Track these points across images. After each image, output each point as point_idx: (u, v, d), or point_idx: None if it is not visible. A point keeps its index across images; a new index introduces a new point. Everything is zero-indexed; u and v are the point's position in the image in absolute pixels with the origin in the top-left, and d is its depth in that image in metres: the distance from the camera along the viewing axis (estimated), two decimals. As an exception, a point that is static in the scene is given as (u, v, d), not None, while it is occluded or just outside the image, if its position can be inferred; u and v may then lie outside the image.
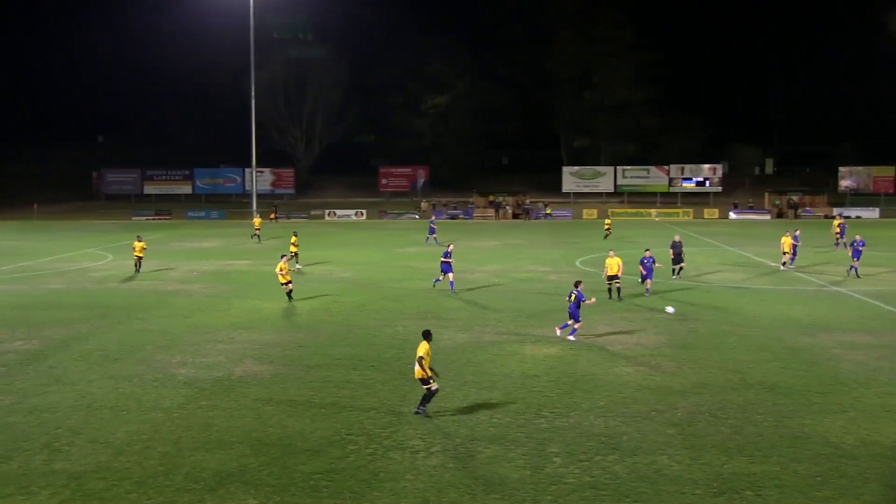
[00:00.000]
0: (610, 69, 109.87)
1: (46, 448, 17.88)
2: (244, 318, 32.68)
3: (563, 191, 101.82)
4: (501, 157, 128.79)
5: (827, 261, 48.48)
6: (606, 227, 67.82)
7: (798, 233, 46.70)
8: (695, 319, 31.89)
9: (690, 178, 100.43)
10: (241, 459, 17.14)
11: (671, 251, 42.54)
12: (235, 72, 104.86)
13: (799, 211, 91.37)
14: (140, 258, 46.11)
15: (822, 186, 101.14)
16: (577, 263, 49.14)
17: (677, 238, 43.52)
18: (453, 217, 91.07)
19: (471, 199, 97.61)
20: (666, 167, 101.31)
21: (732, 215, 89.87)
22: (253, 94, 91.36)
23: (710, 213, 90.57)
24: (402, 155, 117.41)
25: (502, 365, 24.84)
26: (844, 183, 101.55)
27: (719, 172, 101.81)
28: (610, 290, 35.87)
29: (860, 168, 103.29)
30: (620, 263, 35.80)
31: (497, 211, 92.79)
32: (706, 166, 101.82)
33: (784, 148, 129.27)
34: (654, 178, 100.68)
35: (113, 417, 20.02)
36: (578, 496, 15.41)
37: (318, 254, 47.17)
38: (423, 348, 19.73)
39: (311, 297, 36.68)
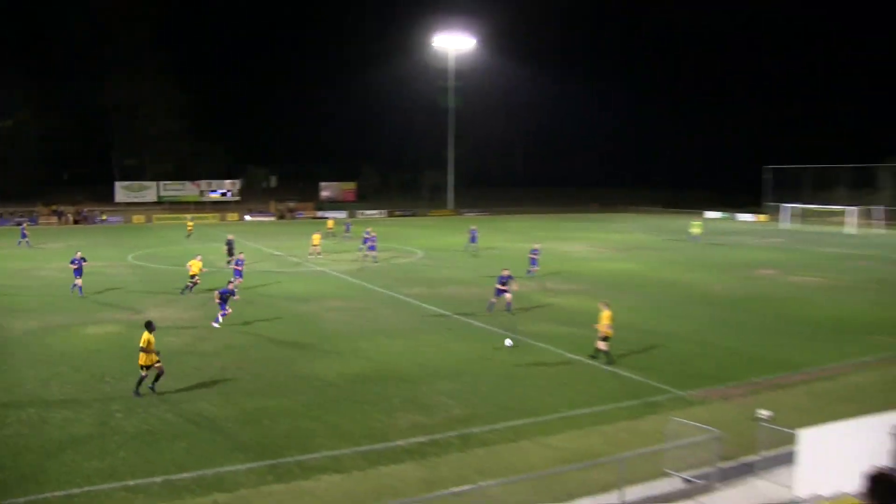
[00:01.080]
0: (153, 104, 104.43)
1: None
2: None
3: (116, 201, 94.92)
4: (63, 172, 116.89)
5: (333, 250, 50.04)
6: (189, 228, 64.31)
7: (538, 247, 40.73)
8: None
9: (216, 190, 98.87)
10: None
11: (226, 246, 41.96)
12: None
13: (295, 214, 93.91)
14: None
15: (310, 196, 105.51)
16: (130, 258, 46.38)
17: (230, 237, 43.02)
18: (19, 224, 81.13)
19: (36, 209, 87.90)
20: (198, 182, 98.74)
21: (248, 218, 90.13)
22: None
23: (232, 216, 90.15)
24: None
25: (70, 344, 23.03)
26: (324, 194, 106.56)
27: (237, 186, 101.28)
28: (189, 287, 32.33)
29: (334, 183, 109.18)
30: (201, 266, 33.18)
31: (59, 218, 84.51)
32: (228, 181, 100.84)
33: (285, 167, 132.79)
34: (188, 190, 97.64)
35: None
36: (139, 441, 15.00)
37: None
38: (143, 338, 17.68)
39: None
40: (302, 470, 13.66)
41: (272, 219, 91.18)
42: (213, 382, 18.99)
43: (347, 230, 59.97)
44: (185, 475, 13.32)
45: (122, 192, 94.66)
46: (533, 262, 38.61)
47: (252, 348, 22.64)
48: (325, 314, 28.30)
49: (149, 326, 18.09)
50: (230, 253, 41.15)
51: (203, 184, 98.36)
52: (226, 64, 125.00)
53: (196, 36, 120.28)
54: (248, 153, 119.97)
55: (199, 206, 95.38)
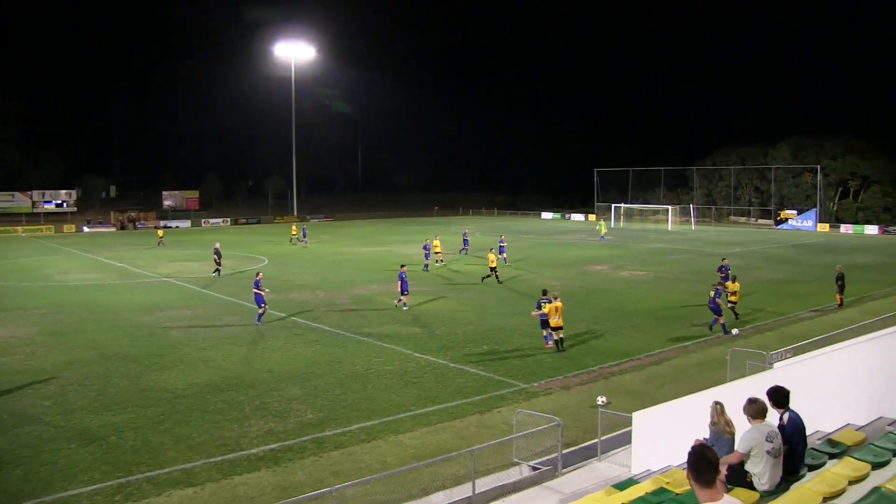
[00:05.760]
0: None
1: None
2: None
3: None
4: None
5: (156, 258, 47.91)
6: (160, 236, 63.15)
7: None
8: (63, 312, 29.62)
9: (51, 201, 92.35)
10: None
11: (214, 255, 40.55)
12: None
13: (136, 224, 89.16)
14: None
15: (152, 205, 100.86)
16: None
17: (217, 244, 40.58)
18: None
19: None
20: (29, 192, 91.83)
21: (86, 229, 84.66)
22: None
23: (69, 228, 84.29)
24: None
25: None
26: (167, 203, 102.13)
27: (74, 196, 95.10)
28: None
29: (177, 192, 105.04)
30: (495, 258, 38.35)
31: None
32: (63, 191, 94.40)
33: (123, 177, 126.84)
34: (18, 201, 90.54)
35: None
36: (-32, 470, 13.52)
37: None
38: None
39: None
40: (153, 486, 12.93)
41: (112, 229, 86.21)
42: (53, 402, 17.64)
43: (304, 236, 60.72)
44: None
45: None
46: (724, 278, 32.33)
47: (94, 363, 21.24)
48: (170, 324, 27.04)
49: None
50: (218, 262, 39.91)
51: (35, 194, 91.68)
52: (59, 70, 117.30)
53: (24, 40, 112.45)
54: (85, 162, 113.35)
55: (32, 217, 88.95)
